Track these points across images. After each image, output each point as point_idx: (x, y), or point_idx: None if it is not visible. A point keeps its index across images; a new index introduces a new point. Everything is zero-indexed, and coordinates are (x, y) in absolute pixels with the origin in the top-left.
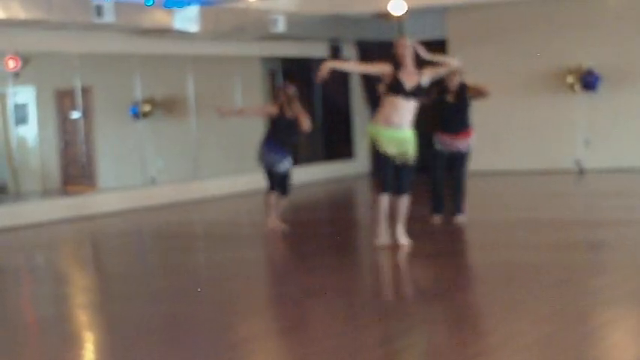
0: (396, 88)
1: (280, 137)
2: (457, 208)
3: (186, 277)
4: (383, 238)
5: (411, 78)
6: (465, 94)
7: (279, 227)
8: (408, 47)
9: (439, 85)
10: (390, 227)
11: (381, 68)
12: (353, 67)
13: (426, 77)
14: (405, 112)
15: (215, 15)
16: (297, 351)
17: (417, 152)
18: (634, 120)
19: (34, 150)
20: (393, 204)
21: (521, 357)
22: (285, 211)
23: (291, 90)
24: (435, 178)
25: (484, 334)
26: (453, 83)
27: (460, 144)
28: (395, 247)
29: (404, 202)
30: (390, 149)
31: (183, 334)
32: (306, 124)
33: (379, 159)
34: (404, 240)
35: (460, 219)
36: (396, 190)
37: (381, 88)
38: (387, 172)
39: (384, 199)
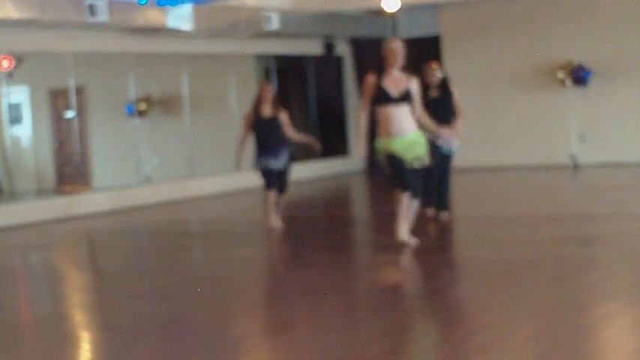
0: (382, 98)
1: (265, 137)
2: (444, 205)
3: (183, 276)
4: (403, 233)
5: (396, 84)
6: (447, 89)
7: (280, 226)
8: (399, 52)
9: (422, 82)
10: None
11: (369, 89)
12: (364, 113)
13: (414, 85)
14: (400, 118)
15: (209, 13)
16: (294, 348)
17: (427, 153)
18: (626, 114)
19: (29, 150)
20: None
21: (518, 352)
22: (282, 208)
23: (267, 89)
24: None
25: (481, 330)
26: (433, 79)
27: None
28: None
29: (414, 205)
30: (403, 153)
31: (180, 332)
32: (315, 145)
33: (394, 163)
34: (410, 239)
35: (445, 216)
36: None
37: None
38: (404, 173)
39: (406, 197)
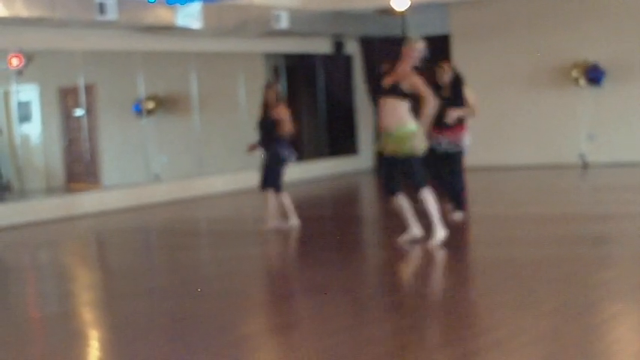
0: (377, 90)
1: (261, 136)
2: (455, 206)
3: (191, 274)
4: (415, 230)
5: (393, 77)
6: (459, 89)
7: (274, 226)
8: (418, 53)
9: (432, 82)
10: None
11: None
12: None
13: (407, 83)
14: (386, 112)
15: (218, 11)
16: (301, 347)
17: (414, 148)
18: (638, 115)
19: (38, 148)
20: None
21: (526, 351)
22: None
23: (265, 92)
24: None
25: (490, 329)
26: (444, 78)
27: (451, 139)
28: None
29: (422, 198)
30: (386, 150)
31: (188, 330)
32: (286, 127)
33: (381, 164)
34: (441, 233)
35: (457, 216)
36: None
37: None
38: (385, 175)
39: (396, 200)
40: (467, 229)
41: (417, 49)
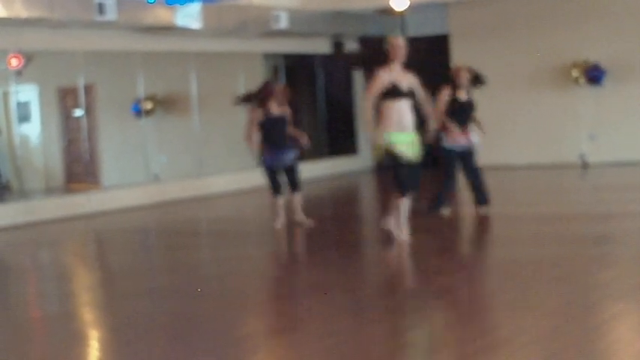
0: (395, 92)
1: (274, 136)
2: (483, 200)
3: (191, 275)
4: (405, 233)
5: (403, 79)
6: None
7: (307, 222)
8: (403, 48)
9: (450, 82)
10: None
11: (380, 83)
12: (368, 103)
13: (416, 81)
14: (408, 113)
15: (217, 12)
16: (302, 347)
17: (421, 150)
18: (639, 114)
19: (37, 148)
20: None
21: (527, 351)
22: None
23: (279, 88)
24: (449, 175)
25: (490, 329)
26: (463, 80)
27: (469, 138)
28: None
29: (410, 200)
30: (405, 151)
31: (188, 330)
32: (303, 140)
33: (397, 164)
34: (404, 235)
35: (484, 209)
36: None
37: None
38: (405, 175)
39: (406, 202)
40: (467, 228)
41: (402, 46)
